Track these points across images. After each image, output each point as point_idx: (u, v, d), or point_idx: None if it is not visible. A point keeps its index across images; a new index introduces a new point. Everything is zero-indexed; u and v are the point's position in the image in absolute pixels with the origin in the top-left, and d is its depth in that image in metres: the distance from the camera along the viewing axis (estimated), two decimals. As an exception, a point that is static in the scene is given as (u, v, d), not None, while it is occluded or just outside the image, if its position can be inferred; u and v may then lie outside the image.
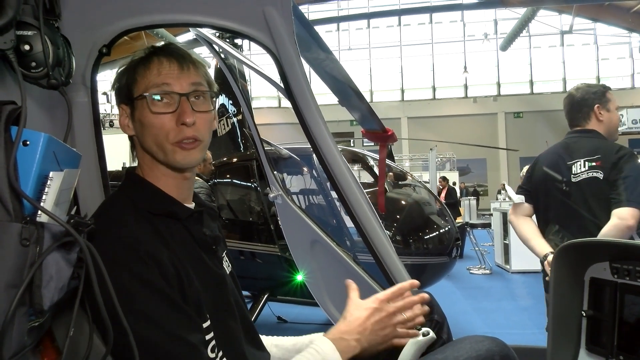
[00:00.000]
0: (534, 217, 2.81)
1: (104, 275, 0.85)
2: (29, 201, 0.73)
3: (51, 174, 0.80)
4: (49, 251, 0.74)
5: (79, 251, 0.82)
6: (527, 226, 2.70)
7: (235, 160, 5.77)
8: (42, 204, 0.78)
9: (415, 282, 1.28)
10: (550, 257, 2.39)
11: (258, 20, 1.43)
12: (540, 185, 2.73)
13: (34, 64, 0.95)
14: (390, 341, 1.21)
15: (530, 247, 2.64)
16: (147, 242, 1.02)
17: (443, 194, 13.05)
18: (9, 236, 0.72)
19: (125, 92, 1.16)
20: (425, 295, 1.28)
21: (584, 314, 1.34)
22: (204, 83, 1.17)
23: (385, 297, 1.21)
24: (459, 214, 13.46)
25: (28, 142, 0.76)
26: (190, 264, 1.10)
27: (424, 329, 1.33)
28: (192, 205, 1.23)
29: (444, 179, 14.45)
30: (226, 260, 1.32)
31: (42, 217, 0.76)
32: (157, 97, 1.11)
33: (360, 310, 1.19)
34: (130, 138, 1.22)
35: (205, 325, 1.08)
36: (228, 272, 1.29)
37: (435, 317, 1.40)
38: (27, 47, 0.93)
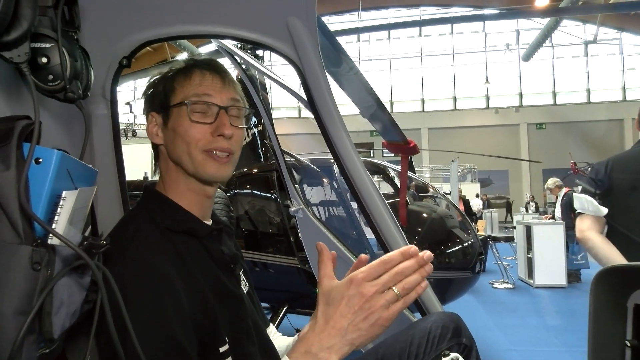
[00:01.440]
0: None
1: (119, 301, 0.80)
2: (39, 224, 0.69)
3: (64, 193, 0.76)
4: (59, 276, 0.70)
5: (93, 274, 0.77)
6: (611, 248, 2.29)
7: (255, 171, 5.75)
8: (54, 225, 0.74)
9: (413, 248, 0.91)
10: None
11: (281, 31, 1.39)
12: (623, 196, 2.35)
13: (51, 76, 0.92)
14: (385, 326, 0.92)
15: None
16: (164, 270, 0.98)
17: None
18: (19, 260, 0.68)
19: (161, 99, 1.14)
20: (426, 254, 0.91)
21: (628, 344, 1.25)
22: (241, 100, 1.17)
23: (363, 277, 0.90)
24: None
25: (40, 160, 0.73)
26: (208, 284, 1.06)
27: (452, 354, 1.26)
28: (209, 223, 1.20)
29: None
30: (244, 279, 1.28)
31: (54, 239, 0.72)
32: (197, 106, 1.09)
33: (331, 303, 0.91)
34: (155, 148, 1.19)
35: (222, 349, 1.04)
36: (245, 292, 1.25)
37: (463, 341, 1.33)
38: (44, 60, 0.90)
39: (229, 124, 1.10)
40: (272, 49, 1.43)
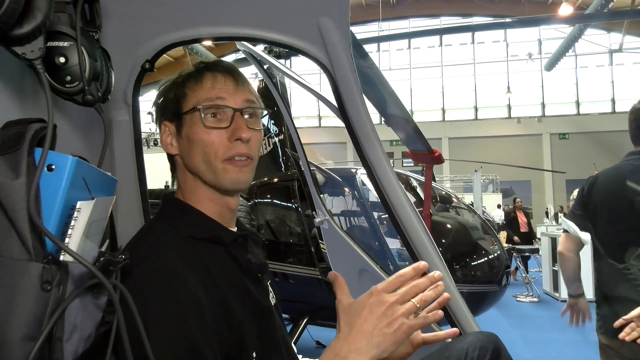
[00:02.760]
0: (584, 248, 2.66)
1: (138, 323, 0.73)
2: (50, 239, 0.62)
3: (79, 204, 0.68)
4: (71, 298, 0.62)
5: (109, 294, 0.70)
6: (572, 264, 2.63)
7: (276, 180, 5.70)
8: (67, 239, 0.67)
9: (423, 264, 0.96)
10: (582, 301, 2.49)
11: (312, 32, 1.31)
12: (602, 212, 2.44)
13: (69, 77, 0.85)
14: (409, 337, 0.95)
15: (567, 283, 2.71)
16: (186, 279, 0.90)
17: None
18: (28, 279, 0.60)
19: (173, 106, 1.07)
20: (436, 273, 0.96)
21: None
22: (256, 101, 1.10)
23: (382, 288, 0.93)
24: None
25: (53, 167, 0.65)
26: (234, 295, 0.99)
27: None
28: (234, 229, 1.12)
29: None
30: (271, 291, 1.20)
31: (66, 255, 0.65)
32: (210, 111, 1.03)
33: (353, 314, 0.93)
34: (171, 159, 1.12)
35: None
36: (273, 304, 1.17)
37: (502, 363, 1.24)
38: (62, 60, 0.84)
39: (246, 126, 1.04)
40: (301, 52, 1.35)
